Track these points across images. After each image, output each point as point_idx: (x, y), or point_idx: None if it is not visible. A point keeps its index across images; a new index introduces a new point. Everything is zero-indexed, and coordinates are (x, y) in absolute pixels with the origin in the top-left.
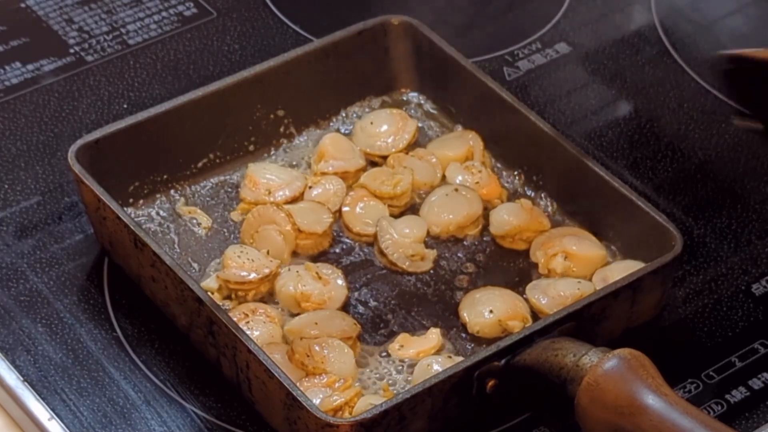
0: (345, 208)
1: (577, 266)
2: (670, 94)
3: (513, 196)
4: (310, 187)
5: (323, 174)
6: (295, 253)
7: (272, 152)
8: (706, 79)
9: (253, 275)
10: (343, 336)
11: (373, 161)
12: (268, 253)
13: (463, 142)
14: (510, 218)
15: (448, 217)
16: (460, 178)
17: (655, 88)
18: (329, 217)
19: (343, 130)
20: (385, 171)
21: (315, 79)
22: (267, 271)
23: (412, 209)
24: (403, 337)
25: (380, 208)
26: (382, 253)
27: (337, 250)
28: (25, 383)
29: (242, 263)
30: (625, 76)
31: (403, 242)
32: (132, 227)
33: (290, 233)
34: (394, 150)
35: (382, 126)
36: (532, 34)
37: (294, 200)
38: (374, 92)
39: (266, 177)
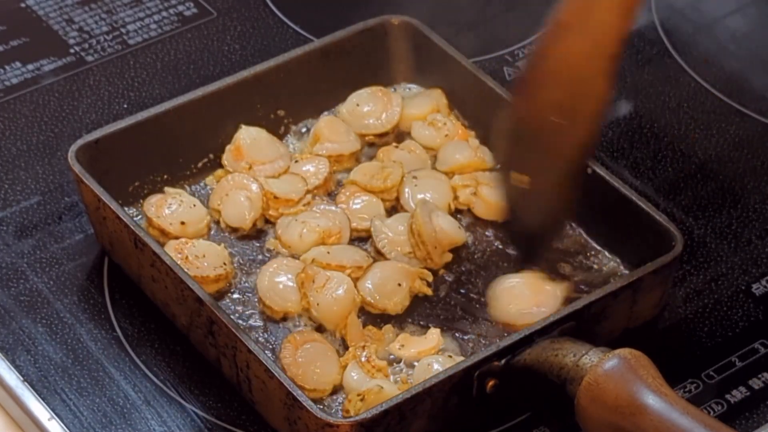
0: (340, 206)
1: (479, 208)
2: (670, 94)
3: None
4: (296, 162)
5: (317, 156)
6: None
7: None
8: (706, 79)
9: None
10: (354, 265)
11: (371, 143)
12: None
13: (430, 100)
14: (456, 155)
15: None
16: (426, 133)
17: (655, 88)
18: (304, 186)
19: None
20: (374, 165)
21: (315, 79)
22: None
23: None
24: (403, 337)
25: (374, 201)
26: (379, 252)
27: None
28: (25, 383)
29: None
30: (625, 76)
31: (399, 240)
32: (132, 227)
33: (257, 198)
34: (390, 126)
35: (368, 105)
36: (532, 34)
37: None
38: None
39: (252, 150)
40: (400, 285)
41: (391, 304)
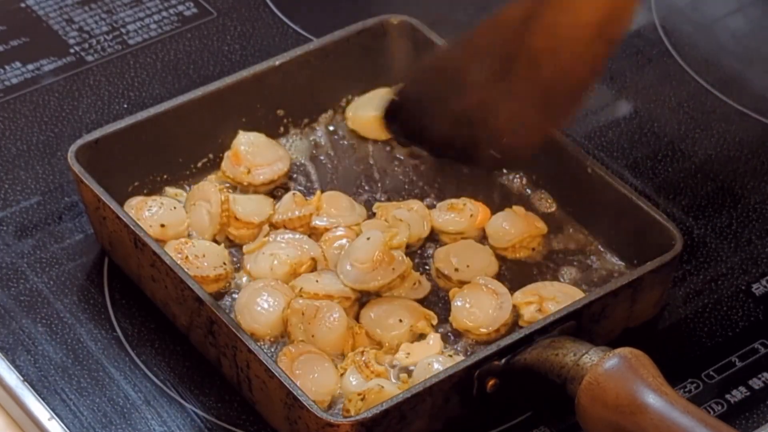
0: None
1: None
2: (670, 94)
3: (514, 196)
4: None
5: (326, 229)
6: (233, 243)
7: None
8: (706, 79)
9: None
10: (342, 295)
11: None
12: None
13: None
14: (509, 228)
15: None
16: (449, 217)
17: (655, 88)
18: (271, 210)
19: (340, 131)
20: (379, 224)
21: (315, 79)
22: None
23: None
24: (406, 346)
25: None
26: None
27: None
28: (25, 383)
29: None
30: (625, 76)
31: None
32: (132, 227)
33: (216, 216)
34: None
35: (377, 109)
36: None
37: (272, 182)
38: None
39: (250, 154)
40: (401, 321)
41: (388, 338)
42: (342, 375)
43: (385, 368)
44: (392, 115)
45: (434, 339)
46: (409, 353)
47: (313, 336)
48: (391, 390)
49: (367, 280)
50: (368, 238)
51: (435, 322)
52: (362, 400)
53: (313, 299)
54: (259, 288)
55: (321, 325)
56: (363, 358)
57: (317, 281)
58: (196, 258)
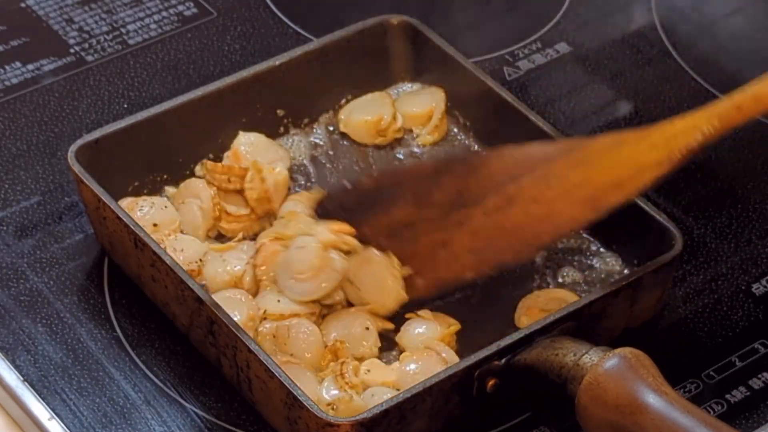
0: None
1: None
2: (670, 94)
3: None
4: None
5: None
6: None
7: None
8: (706, 79)
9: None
10: (308, 311)
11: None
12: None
13: (430, 98)
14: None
15: None
16: None
17: (655, 88)
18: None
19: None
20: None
21: (315, 79)
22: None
23: None
24: (370, 362)
25: None
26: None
27: None
28: (25, 383)
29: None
30: (625, 76)
31: None
32: (132, 227)
33: (208, 211)
34: (397, 134)
35: (369, 114)
36: (532, 34)
37: None
38: (374, 92)
39: (250, 154)
40: (367, 329)
41: (361, 350)
42: (320, 384)
43: (360, 382)
44: (329, 203)
45: (396, 365)
46: (369, 370)
47: (291, 355)
48: (359, 403)
49: (313, 290)
50: (301, 247)
51: (392, 327)
52: (333, 409)
53: (279, 320)
54: (229, 297)
55: (298, 341)
56: (343, 370)
57: (279, 301)
58: (174, 251)
